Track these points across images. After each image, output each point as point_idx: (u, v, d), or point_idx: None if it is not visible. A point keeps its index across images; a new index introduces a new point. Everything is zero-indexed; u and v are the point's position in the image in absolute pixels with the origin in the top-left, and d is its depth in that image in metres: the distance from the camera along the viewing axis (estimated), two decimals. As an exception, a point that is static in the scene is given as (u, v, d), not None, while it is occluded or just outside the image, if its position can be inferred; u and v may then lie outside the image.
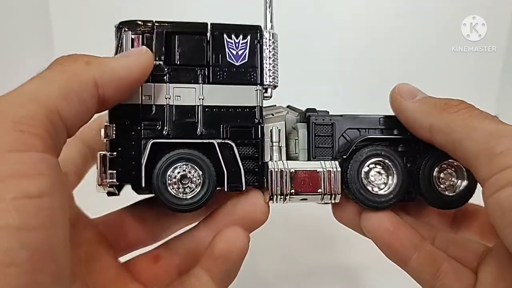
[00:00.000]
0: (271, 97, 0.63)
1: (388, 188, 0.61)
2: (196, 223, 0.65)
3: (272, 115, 0.65)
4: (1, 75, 1.15)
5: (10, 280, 0.35)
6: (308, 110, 0.64)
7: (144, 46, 0.56)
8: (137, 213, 0.64)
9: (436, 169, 0.62)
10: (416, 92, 0.61)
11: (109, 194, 0.60)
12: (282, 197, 0.59)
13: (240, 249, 0.54)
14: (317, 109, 0.65)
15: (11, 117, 0.39)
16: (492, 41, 1.24)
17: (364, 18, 1.29)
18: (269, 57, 0.61)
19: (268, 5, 0.62)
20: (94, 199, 0.60)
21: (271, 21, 0.62)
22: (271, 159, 0.61)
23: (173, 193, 0.57)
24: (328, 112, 0.64)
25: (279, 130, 0.62)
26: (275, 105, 0.67)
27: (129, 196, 0.63)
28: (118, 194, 0.62)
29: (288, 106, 0.68)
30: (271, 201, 0.59)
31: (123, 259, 0.64)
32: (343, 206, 0.63)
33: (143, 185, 0.56)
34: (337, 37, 1.29)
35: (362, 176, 0.61)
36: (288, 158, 0.63)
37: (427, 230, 0.63)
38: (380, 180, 0.62)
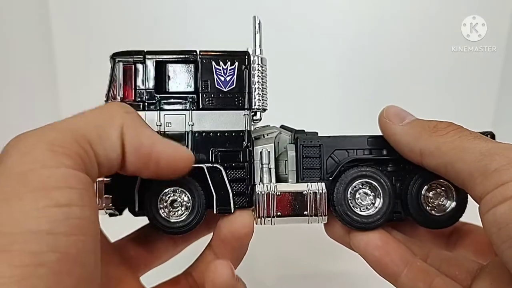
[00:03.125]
0: (260, 119, 0.65)
1: (376, 209, 0.62)
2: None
3: (264, 136, 0.66)
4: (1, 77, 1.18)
5: (38, 280, 0.38)
6: (297, 131, 0.65)
7: (190, 152, 0.56)
8: (151, 236, 0.67)
9: (425, 188, 0.63)
10: (404, 114, 0.61)
11: (111, 215, 0.63)
12: (269, 219, 0.60)
13: (224, 284, 0.54)
14: (305, 130, 0.66)
15: (46, 140, 0.44)
16: (492, 41, 1.23)
17: (364, 18, 1.29)
18: (258, 82, 0.63)
19: (256, 31, 0.63)
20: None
21: (260, 46, 0.63)
22: (261, 180, 0.63)
23: (164, 217, 0.59)
24: (317, 133, 0.65)
25: (269, 152, 0.63)
26: (269, 125, 0.68)
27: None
28: (121, 214, 0.64)
29: (281, 126, 0.69)
30: (259, 223, 0.61)
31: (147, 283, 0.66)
32: (333, 225, 0.64)
33: (137, 209, 0.59)
34: (336, 37, 1.29)
35: (349, 197, 0.61)
36: (278, 179, 0.64)
37: (419, 248, 0.63)
38: (367, 201, 0.62)
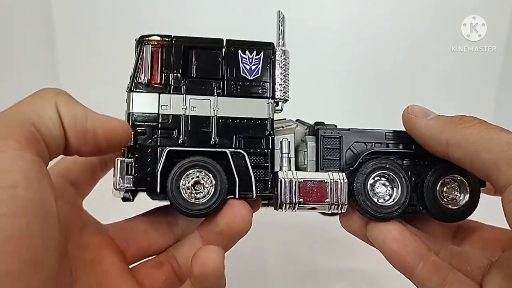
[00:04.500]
0: (282, 110, 0.65)
1: (393, 200, 0.63)
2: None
3: (282, 127, 0.67)
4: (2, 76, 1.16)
5: None
6: (317, 123, 0.66)
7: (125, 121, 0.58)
8: (150, 221, 0.66)
9: (440, 182, 0.64)
10: (428, 112, 0.62)
11: (124, 199, 0.63)
12: (291, 206, 0.61)
13: (213, 270, 0.53)
14: (325, 123, 0.67)
15: None
16: (492, 41, 1.25)
17: (364, 18, 1.30)
18: (281, 73, 0.64)
19: (280, 23, 0.65)
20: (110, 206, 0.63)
21: (283, 39, 0.65)
22: (280, 169, 0.63)
23: (186, 198, 0.59)
24: (336, 126, 0.66)
25: (289, 142, 0.64)
26: (285, 119, 0.69)
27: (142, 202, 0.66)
28: (132, 200, 0.65)
29: (297, 120, 0.70)
30: (280, 209, 0.61)
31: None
32: (350, 216, 0.65)
33: (158, 190, 0.59)
34: (337, 37, 1.30)
35: (368, 188, 0.63)
36: (297, 168, 0.65)
37: (432, 243, 0.64)
38: (385, 191, 0.64)
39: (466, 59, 1.28)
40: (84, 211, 0.64)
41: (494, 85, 1.32)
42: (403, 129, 0.65)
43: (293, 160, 0.64)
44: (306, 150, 0.65)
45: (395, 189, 0.63)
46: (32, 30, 1.24)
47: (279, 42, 0.65)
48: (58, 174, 0.61)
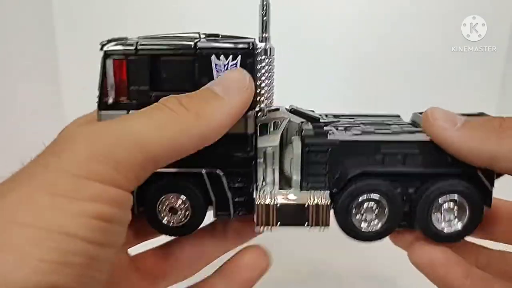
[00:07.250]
0: (265, 115, 0.59)
1: (379, 224, 0.59)
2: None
3: (270, 126, 0.61)
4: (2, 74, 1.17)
5: (60, 277, 0.36)
6: (312, 122, 0.60)
7: (248, 78, 0.51)
8: (172, 246, 0.65)
9: (439, 200, 0.58)
10: (452, 115, 0.54)
11: None
12: (268, 227, 0.57)
13: None
14: (320, 118, 0.62)
15: (113, 155, 0.41)
16: (492, 41, 1.23)
17: (364, 18, 1.29)
18: (264, 76, 0.56)
19: (264, 13, 0.56)
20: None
21: (267, 32, 0.57)
22: (264, 180, 0.59)
23: (164, 222, 0.57)
24: (327, 133, 0.59)
25: (273, 152, 0.58)
26: (278, 109, 0.61)
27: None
28: None
29: (291, 110, 0.61)
30: (258, 230, 0.58)
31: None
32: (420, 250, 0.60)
33: (136, 212, 0.55)
34: (338, 37, 1.29)
35: (353, 211, 0.58)
36: (283, 175, 0.60)
37: (469, 250, 0.62)
38: (371, 215, 0.59)
39: (466, 59, 1.26)
40: None
41: (494, 85, 1.31)
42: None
43: (277, 171, 0.59)
44: (292, 157, 0.59)
45: (382, 213, 0.58)
46: (33, 28, 1.25)
47: (261, 37, 0.56)
48: None
